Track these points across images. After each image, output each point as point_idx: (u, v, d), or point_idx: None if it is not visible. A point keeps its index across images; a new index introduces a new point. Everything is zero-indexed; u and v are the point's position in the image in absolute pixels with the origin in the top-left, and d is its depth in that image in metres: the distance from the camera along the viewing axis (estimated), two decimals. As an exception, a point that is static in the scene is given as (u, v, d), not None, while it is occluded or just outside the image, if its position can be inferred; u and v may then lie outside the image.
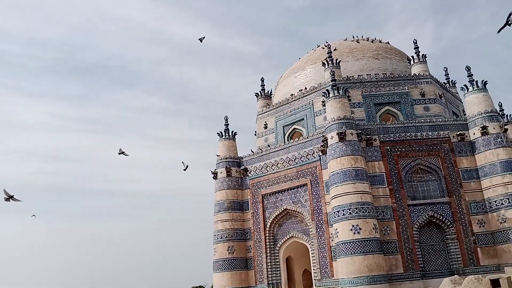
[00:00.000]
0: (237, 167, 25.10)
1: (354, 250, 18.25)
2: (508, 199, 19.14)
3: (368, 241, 18.35)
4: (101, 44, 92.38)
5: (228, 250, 22.80)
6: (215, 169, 25.47)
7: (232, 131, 26.58)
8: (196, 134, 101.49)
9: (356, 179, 19.50)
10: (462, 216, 19.79)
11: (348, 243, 18.47)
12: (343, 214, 19.05)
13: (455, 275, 10.64)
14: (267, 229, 22.73)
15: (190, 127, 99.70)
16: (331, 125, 21.15)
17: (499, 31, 17.74)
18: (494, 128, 20.69)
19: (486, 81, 22.21)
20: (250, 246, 23.10)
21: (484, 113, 21.21)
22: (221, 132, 26.52)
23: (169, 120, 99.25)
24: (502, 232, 19.03)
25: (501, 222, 19.10)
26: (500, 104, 25.38)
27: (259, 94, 30.90)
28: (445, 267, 19.27)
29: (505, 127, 21.21)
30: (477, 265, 18.68)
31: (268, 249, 22.34)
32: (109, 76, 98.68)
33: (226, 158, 25.32)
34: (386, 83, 25.26)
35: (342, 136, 20.45)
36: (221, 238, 23.19)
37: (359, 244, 18.28)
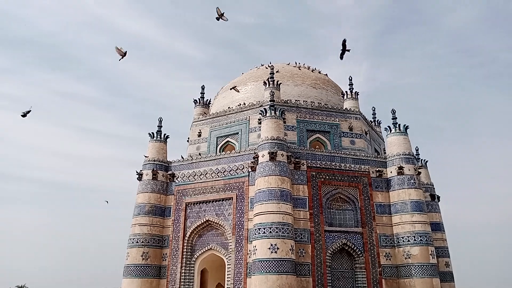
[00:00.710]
0: (165, 171, 24.51)
1: (269, 269, 18.59)
2: (414, 236, 20.86)
3: (284, 262, 18.82)
4: (36, 18, 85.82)
5: (142, 255, 21.96)
6: (140, 170, 24.62)
7: (165, 134, 25.99)
8: (125, 131, 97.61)
9: (280, 200, 20.03)
10: (372, 247, 21.16)
11: (265, 261, 18.80)
12: (264, 232, 19.39)
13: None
14: (186, 238, 22.34)
15: (120, 122, 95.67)
16: (264, 143, 21.61)
17: (341, 57, 20.09)
18: (409, 170, 22.57)
19: (407, 125, 24.27)
20: (166, 254, 22.49)
21: (402, 154, 23.07)
22: (153, 133, 25.79)
23: (98, 112, 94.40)
24: (406, 267, 20.63)
25: (405, 258, 20.71)
26: (416, 148, 27.81)
27: (198, 101, 30.68)
28: (351, 293, 20.36)
29: (419, 170, 23.28)
30: (380, 296, 19.96)
31: (185, 259, 21.93)
32: (39, 53, 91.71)
33: (154, 160, 24.61)
34: (320, 112, 26.53)
35: (273, 156, 20.97)
36: (137, 242, 22.31)
37: (275, 263, 18.68)
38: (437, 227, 25.25)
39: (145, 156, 25.08)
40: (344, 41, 19.94)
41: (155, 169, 24.15)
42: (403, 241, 21.12)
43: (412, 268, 20.42)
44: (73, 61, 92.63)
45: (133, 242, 22.44)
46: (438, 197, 27.35)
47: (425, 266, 20.34)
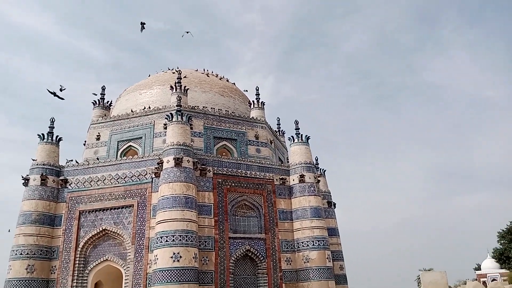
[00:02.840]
0: (56, 176, 22.29)
1: (171, 278, 17.85)
2: (313, 241, 21.81)
3: (187, 270, 18.24)
4: None
5: (26, 268, 19.53)
6: (27, 175, 22.06)
7: (57, 136, 23.71)
8: (12, 132, 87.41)
9: (185, 207, 19.47)
10: (274, 253, 21.60)
11: (166, 271, 18.01)
12: (166, 241, 18.62)
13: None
14: (79, 249, 20.46)
15: (8, 124, 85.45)
16: (169, 149, 20.92)
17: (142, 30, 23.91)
18: (309, 178, 23.66)
19: (309, 136, 25.51)
20: (55, 266, 20.31)
21: (304, 163, 24.13)
22: (43, 134, 23.37)
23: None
24: (305, 270, 21.42)
25: (304, 262, 21.51)
26: (316, 158, 29.26)
27: (97, 102, 28.65)
28: (253, 300, 20.46)
29: (319, 178, 24.54)
30: (280, 300, 20.35)
31: (76, 272, 20.02)
32: None
33: (43, 164, 22.25)
34: (227, 120, 26.60)
35: (178, 162, 20.37)
36: (20, 254, 19.81)
37: (177, 272, 18.01)
38: (333, 232, 26.75)
39: (33, 160, 22.57)
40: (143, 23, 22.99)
41: (44, 174, 21.83)
42: (303, 245, 21.94)
43: (310, 271, 21.28)
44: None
45: (16, 254, 19.89)
46: (334, 204, 29.10)
47: (322, 269, 21.35)
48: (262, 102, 30.05)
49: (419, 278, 54.71)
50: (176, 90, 25.88)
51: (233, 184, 22.23)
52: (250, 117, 28.10)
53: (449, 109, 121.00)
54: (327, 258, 21.92)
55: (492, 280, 45.82)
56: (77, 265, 20.18)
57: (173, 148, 20.84)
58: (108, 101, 29.28)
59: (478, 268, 63.05)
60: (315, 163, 26.74)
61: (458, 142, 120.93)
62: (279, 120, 33.51)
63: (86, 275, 20.27)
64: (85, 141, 26.64)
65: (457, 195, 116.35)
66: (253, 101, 30.10)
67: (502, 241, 43.48)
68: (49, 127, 23.61)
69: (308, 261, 21.45)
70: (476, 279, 53.33)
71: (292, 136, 25.42)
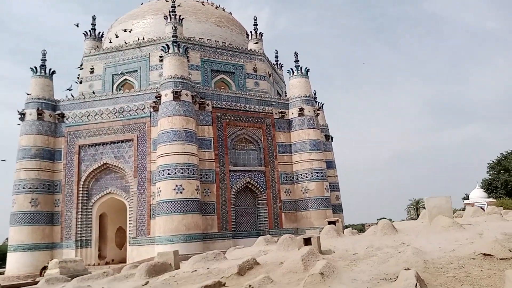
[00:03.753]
0: (52, 110, 21.93)
1: (174, 209, 18.35)
2: (312, 173, 22.24)
3: (190, 201, 18.71)
4: None
5: (30, 202, 19.91)
6: (23, 110, 21.68)
7: (50, 69, 22.96)
8: (0, 68, 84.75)
9: (185, 140, 19.49)
10: (273, 185, 22.10)
11: (170, 202, 18.46)
12: (168, 174, 18.87)
13: (267, 235, 11.73)
14: (81, 183, 20.73)
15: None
16: (167, 82, 20.46)
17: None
18: (309, 111, 23.54)
19: (309, 68, 24.97)
20: (58, 199, 20.69)
21: (303, 96, 23.86)
22: (35, 67, 22.59)
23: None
24: (303, 201, 22.08)
25: (303, 192, 22.11)
26: (314, 91, 28.90)
27: (88, 33, 27.43)
28: (254, 228, 21.29)
29: (317, 111, 24.43)
30: (280, 228, 21.20)
31: (80, 204, 20.46)
32: None
33: (38, 98, 21.79)
34: (225, 52, 25.80)
35: (177, 95, 20.03)
36: (23, 188, 20.07)
37: (181, 203, 18.48)
38: (330, 164, 27.21)
39: (28, 94, 22.04)
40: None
41: (40, 108, 21.45)
42: (301, 177, 22.41)
43: (309, 201, 21.96)
44: None
45: (19, 188, 20.14)
46: (332, 138, 29.35)
47: (320, 199, 22.02)
48: (260, 33, 29.03)
49: (412, 206, 57.13)
50: (170, 19, 24.74)
51: (232, 118, 22.11)
52: (248, 49, 27.25)
53: (448, 41, 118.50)
54: (325, 188, 22.51)
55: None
56: (80, 198, 20.56)
57: (170, 81, 20.37)
58: (99, 32, 28.05)
59: (467, 197, 65.60)
60: (314, 96, 26.45)
61: (454, 75, 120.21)
62: (277, 53, 32.69)
63: (90, 207, 20.74)
64: (79, 75, 25.87)
65: (450, 128, 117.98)
66: (250, 32, 29.04)
67: (491, 172, 44.81)
68: (41, 60, 22.78)
69: (307, 192, 22.04)
70: (463, 208, 55.78)
71: (292, 69, 24.87)
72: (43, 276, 14.75)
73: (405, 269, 4.88)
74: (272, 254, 8.73)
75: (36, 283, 11.75)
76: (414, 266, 5.33)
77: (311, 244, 7.47)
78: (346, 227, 20.24)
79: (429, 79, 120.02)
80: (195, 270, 8.61)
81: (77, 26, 25.87)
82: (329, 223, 9.12)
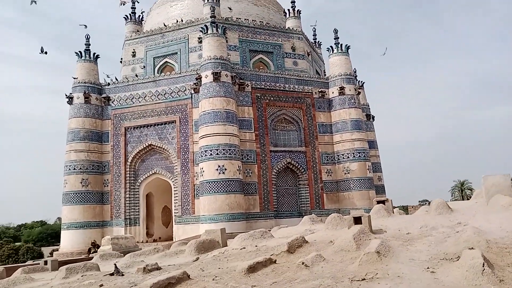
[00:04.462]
0: (98, 94, 22.66)
1: (217, 189, 18.68)
2: (353, 153, 21.90)
3: (232, 182, 18.97)
4: None
5: (81, 182, 20.88)
6: (70, 93, 22.54)
7: (94, 53, 23.66)
8: (44, 55, 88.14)
9: (226, 121, 19.65)
10: (314, 165, 21.96)
11: (213, 182, 18.79)
12: (211, 154, 19.15)
13: (312, 214, 11.72)
14: (128, 163, 21.47)
15: (40, 45, 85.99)
16: (207, 63, 20.56)
17: None
18: (350, 90, 23.03)
19: (349, 46, 24.30)
20: (107, 180, 21.58)
21: (344, 75, 23.33)
22: (80, 52, 23.32)
23: (15, 33, 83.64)
24: (345, 181, 21.85)
25: (345, 173, 21.85)
26: (354, 70, 28.19)
27: (129, 17, 27.89)
28: (295, 208, 21.36)
29: (359, 90, 23.85)
30: (322, 209, 21.14)
31: (128, 184, 21.25)
32: None
33: (85, 82, 22.56)
34: (263, 32, 25.53)
35: (217, 76, 20.13)
36: (74, 169, 21.04)
37: (223, 183, 18.77)
38: (371, 144, 26.64)
39: (74, 78, 22.85)
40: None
41: (87, 92, 22.23)
42: (343, 158, 22.13)
43: (351, 182, 21.70)
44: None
45: (70, 169, 21.13)
46: (373, 117, 28.67)
47: (362, 180, 21.70)
48: (298, 10, 28.44)
49: (457, 187, 55.15)
50: (208, 0, 24.67)
51: (271, 98, 22.01)
52: (286, 28, 26.81)
53: (494, 12, 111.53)
54: (368, 169, 22.14)
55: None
56: (128, 178, 21.33)
57: (210, 62, 20.46)
58: (139, 16, 28.46)
59: (513, 177, 62.69)
60: (354, 74, 25.79)
61: (501, 50, 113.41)
62: (315, 31, 31.95)
63: (138, 187, 21.50)
64: (121, 59, 26.51)
65: (497, 106, 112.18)
66: (288, 10, 28.50)
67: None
68: (85, 44, 23.49)
69: (348, 172, 21.77)
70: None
71: (331, 46, 24.30)
72: (90, 255, 15.56)
73: (469, 249, 4.73)
74: (320, 233, 8.72)
75: (90, 259, 12.41)
76: (476, 246, 5.16)
77: (361, 223, 7.39)
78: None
79: (473, 54, 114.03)
80: (244, 248, 8.78)
81: (85, 27, 24.65)
82: (378, 202, 8.97)
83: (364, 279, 4.72)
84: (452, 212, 7.77)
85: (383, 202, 8.97)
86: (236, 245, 8.91)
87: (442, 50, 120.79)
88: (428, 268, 4.93)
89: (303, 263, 5.65)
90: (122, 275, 7.14)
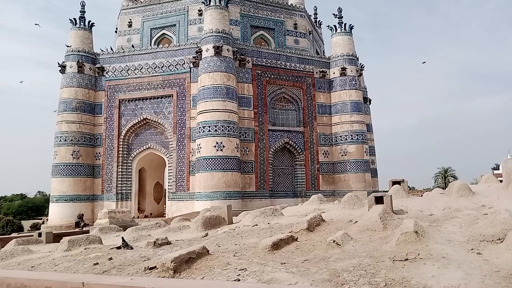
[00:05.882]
0: (92, 64, 21.78)
1: (215, 166, 18.27)
2: (352, 135, 21.66)
3: (230, 159, 18.57)
4: None
5: (72, 154, 20.19)
6: (63, 62, 21.61)
7: (89, 21, 22.63)
8: (33, 26, 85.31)
9: (226, 97, 19.12)
10: (312, 146, 21.67)
11: (210, 159, 18.37)
12: (209, 131, 18.67)
13: (319, 194, 11.46)
14: (122, 137, 20.82)
15: (26, 16, 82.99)
16: (208, 36, 19.85)
17: None
18: (351, 71, 22.63)
19: (353, 25, 23.76)
20: (99, 153, 20.92)
21: (346, 55, 22.88)
22: (74, 19, 22.29)
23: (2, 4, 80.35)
24: (342, 163, 21.65)
25: (342, 155, 21.63)
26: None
27: (125, -15, 26.74)
28: (290, 189, 21.14)
29: (360, 71, 23.47)
30: (317, 190, 20.91)
31: (121, 158, 20.65)
32: None
33: (78, 51, 21.62)
34: (265, 7, 24.78)
35: (218, 51, 19.47)
36: (65, 141, 20.31)
37: (221, 161, 18.36)
38: (367, 128, 26.30)
39: (68, 46, 21.89)
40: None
41: (80, 61, 21.32)
42: (341, 139, 21.87)
43: (348, 164, 21.51)
44: None
45: (60, 141, 20.40)
46: (370, 100, 28.42)
47: (359, 162, 21.54)
48: (300, -14, 27.63)
49: (440, 174, 55.83)
50: (209, -29, 23.72)
51: (272, 76, 21.48)
52: (289, 4, 26.09)
53: (486, 3, 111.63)
54: (365, 151, 21.97)
55: None
56: (120, 152, 20.72)
57: (212, 35, 19.75)
58: (136, -16, 27.29)
59: (497, 168, 63.92)
60: (356, 56, 25.35)
61: (490, 41, 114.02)
62: (316, 9, 31.26)
63: (130, 161, 20.91)
64: (117, 28, 25.51)
65: (482, 96, 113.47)
66: (290, -15, 27.68)
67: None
68: (80, 11, 22.45)
69: (345, 154, 21.55)
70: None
71: (334, 25, 23.72)
72: (78, 228, 15.09)
73: (517, 231, 4.46)
74: (334, 212, 8.45)
75: (82, 232, 11.96)
76: (516, 228, 4.91)
77: (382, 203, 7.12)
78: (374, 191, 19.85)
79: (464, 44, 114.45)
80: (256, 224, 8.46)
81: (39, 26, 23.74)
82: (394, 183, 8.70)
83: (407, 259, 4.43)
84: (474, 195, 7.54)
85: (398, 182, 8.70)
86: (248, 222, 8.59)
87: (434, 39, 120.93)
88: (472, 249, 4.67)
89: (334, 241, 5.33)
90: (131, 248, 6.76)
